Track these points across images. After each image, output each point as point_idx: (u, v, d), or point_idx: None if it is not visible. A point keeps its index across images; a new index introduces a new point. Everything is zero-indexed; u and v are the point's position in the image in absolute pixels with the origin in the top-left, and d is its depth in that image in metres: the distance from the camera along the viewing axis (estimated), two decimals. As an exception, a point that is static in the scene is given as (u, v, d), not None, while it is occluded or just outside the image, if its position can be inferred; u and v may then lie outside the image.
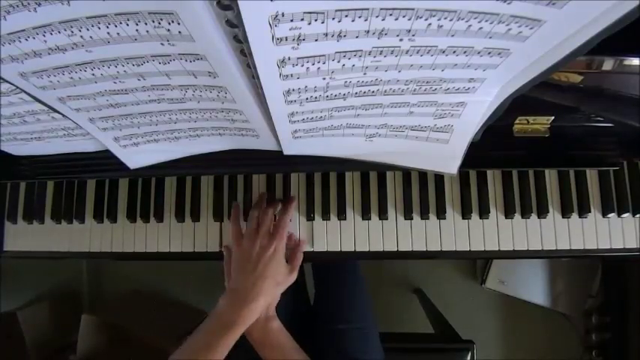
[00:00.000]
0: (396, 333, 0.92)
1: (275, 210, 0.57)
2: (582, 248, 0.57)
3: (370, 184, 0.59)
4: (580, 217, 0.57)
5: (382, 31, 0.30)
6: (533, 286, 1.22)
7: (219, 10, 0.28)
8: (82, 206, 0.63)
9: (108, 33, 0.31)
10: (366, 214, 0.59)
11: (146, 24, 0.30)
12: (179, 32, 0.30)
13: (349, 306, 0.70)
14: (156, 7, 0.28)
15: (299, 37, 0.30)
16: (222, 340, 0.46)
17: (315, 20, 0.28)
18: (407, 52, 0.33)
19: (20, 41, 0.32)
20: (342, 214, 0.59)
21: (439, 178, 0.59)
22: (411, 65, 0.35)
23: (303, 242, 0.58)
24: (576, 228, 0.57)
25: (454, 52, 0.33)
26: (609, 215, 0.57)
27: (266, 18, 0.27)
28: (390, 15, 0.28)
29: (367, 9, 0.28)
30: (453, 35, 0.31)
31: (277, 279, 0.51)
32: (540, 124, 0.53)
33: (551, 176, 0.58)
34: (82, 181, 0.64)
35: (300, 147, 0.51)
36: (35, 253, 0.64)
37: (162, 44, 0.32)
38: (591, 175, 0.58)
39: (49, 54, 0.33)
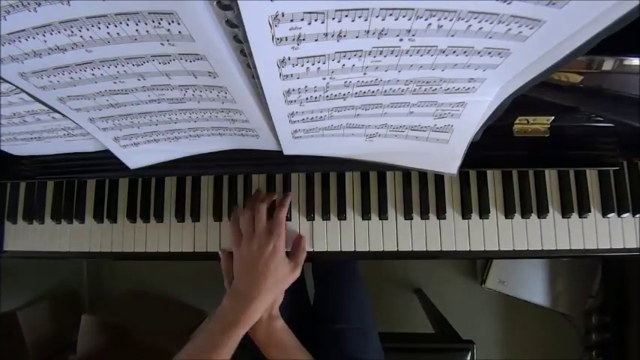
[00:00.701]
0: (396, 333, 0.92)
1: (269, 205, 0.55)
2: (582, 248, 0.57)
3: (370, 184, 0.59)
4: (580, 217, 0.57)
5: (382, 31, 0.30)
6: (533, 286, 1.22)
7: (219, 10, 0.28)
8: (82, 206, 0.63)
9: (108, 33, 0.31)
10: (366, 214, 0.59)
11: (146, 24, 0.30)
12: (179, 32, 0.30)
13: (349, 306, 0.70)
14: (156, 7, 0.28)
15: (299, 37, 0.30)
16: (226, 339, 0.47)
17: (315, 20, 0.28)
18: (407, 52, 0.33)
19: (20, 41, 0.32)
20: (342, 214, 0.59)
21: (439, 178, 0.59)
22: (411, 65, 0.35)
23: (303, 238, 0.57)
24: (576, 228, 0.57)
25: (454, 52, 0.33)
26: (609, 215, 0.57)
27: (266, 18, 0.27)
28: (390, 15, 0.28)
29: (367, 9, 0.28)
30: (453, 35, 0.31)
31: (278, 276, 0.51)
32: (540, 124, 0.53)
33: (551, 176, 0.58)
34: (82, 181, 0.64)
35: (300, 147, 0.51)
36: (35, 253, 0.64)
37: (162, 44, 0.32)
38: (591, 175, 0.58)
39: (49, 54, 0.33)
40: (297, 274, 0.53)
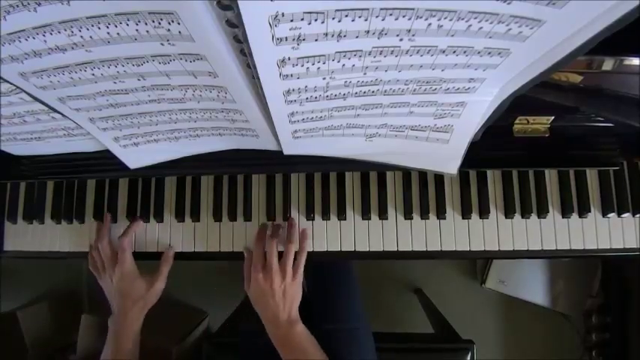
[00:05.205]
0: (396, 333, 0.92)
1: (109, 237, 0.60)
2: (582, 248, 0.57)
3: (370, 184, 0.59)
4: (580, 217, 0.57)
5: (382, 31, 0.30)
6: (533, 286, 1.22)
7: (219, 10, 0.28)
8: (82, 206, 0.63)
9: (108, 33, 0.31)
10: (366, 214, 0.59)
11: (146, 24, 0.30)
12: (179, 32, 0.30)
13: (338, 306, 0.68)
14: (156, 7, 0.28)
15: (299, 37, 0.30)
16: (114, 344, 0.57)
17: (315, 20, 0.28)
18: (407, 52, 0.33)
19: (20, 41, 0.32)
20: (342, 214, 0.59)
21: (439, 178, 0.59)
22: (411, 65, 0.35)
23: (170, 249, 0.61)
24: (576, 228, 0.57)
25: (454, 52, 0.33)
26: (609, 215, 0.57)
27: (266, 18, 0.27)
28: (390, 15, 0.28)
29: (367, 9, 0.28)
30: (452, 35, 0.31)
31: (134, 296, 0.58)
32: (540, 124, 0.53)
33: (551, 176, 0.58)
34: (82, 181, 0.64)
35: (300, 147, 0.51)
36: (35, 253, 0.64)
37: (162, 44, 0.32)
38: (591, 175, 0.58)
39: (49, 54, 0.33)
40: (158, 285, 0.60)
